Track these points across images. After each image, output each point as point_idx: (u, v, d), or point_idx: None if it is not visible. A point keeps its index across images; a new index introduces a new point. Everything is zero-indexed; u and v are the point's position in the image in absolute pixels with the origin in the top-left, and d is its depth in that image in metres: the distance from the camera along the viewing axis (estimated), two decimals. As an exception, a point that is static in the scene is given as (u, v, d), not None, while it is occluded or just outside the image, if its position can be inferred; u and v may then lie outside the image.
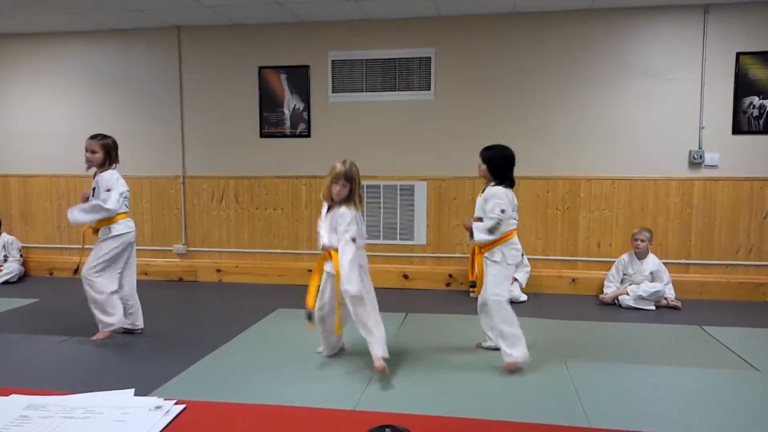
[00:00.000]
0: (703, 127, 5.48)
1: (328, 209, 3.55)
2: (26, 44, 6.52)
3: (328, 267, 3.58)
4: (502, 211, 3.50)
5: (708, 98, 5.45)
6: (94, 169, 4.12)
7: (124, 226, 4.10)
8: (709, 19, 5.38)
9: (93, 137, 4.08)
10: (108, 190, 3.98)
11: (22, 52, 6.54)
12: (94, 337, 4.06)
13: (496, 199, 3.52)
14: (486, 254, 3.63)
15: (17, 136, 6.60)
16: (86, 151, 4.05)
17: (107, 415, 1.16)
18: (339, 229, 3.44)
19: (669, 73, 5.49)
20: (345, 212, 3.45)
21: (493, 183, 3.62)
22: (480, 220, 3.61)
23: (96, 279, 3.99)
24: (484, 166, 3.65)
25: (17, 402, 1.24)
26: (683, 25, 5.44)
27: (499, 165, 3.62)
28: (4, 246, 6.35)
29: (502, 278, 3.62)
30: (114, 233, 4.04)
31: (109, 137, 4.11)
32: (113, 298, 4.06)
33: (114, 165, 4.10)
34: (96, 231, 4.11)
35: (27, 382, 3.30)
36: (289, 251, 6.23)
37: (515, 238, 3.62)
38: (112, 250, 4.04)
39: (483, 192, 3.69)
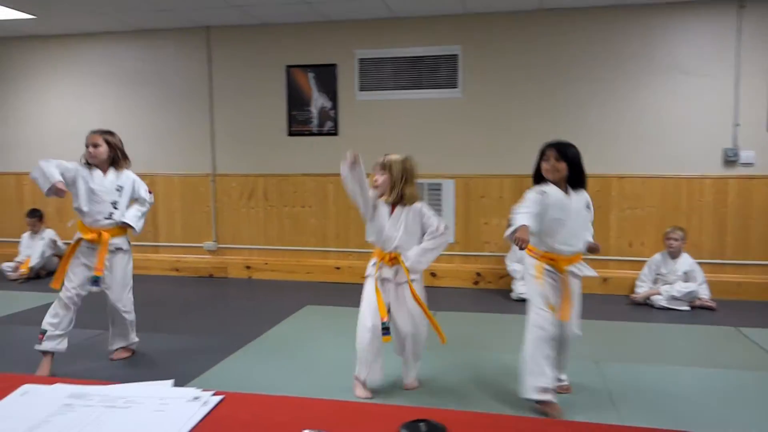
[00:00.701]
0: (738, 124, 5.35)
1: (392, 209, 3.19)
2: (60, 46, 6.67)
3: (388, 273, 3.17)
4: None
5: (743, 94, 5.32)
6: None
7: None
8: (744, 13, 5.25)
9: (95, 131, 3.61)
10: (148, 191, 3.75)
11: (56, 54, 6.70)
12: (116, 357, 3.77)
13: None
14: (575, 268, 3.06)
15: (53, 135, 6.75)
16: (88, 145, 3.55)
17: (147, 404, 1.18)
18: (429, 223, 3.16)
19: (702, 68, 5.38)
20: (422, 206, 3.19)
21: (568, 188, 3.07)
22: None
23: (130, 302, 3.74)
24: (563, 165, 3.02)
25: (60, 391, 1.27)
26: (717, 20, 5.32)
27: (581, 166, 3.08)
28: (42, 237, 6.48)
29: None
30: (130, 246, 3.74)
31: (115, 134, 3.67)
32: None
33: (129, 165, 3.71)
34: (92, 240, 3.55)
35: (66, 373, 3.38)
36: (317, 248, 6.27)
37: None
38: (131, 264, 3.75)
39: (569, 194, 3.05)
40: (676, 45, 5.43)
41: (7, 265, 6.32)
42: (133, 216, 3.66)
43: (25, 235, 6.52)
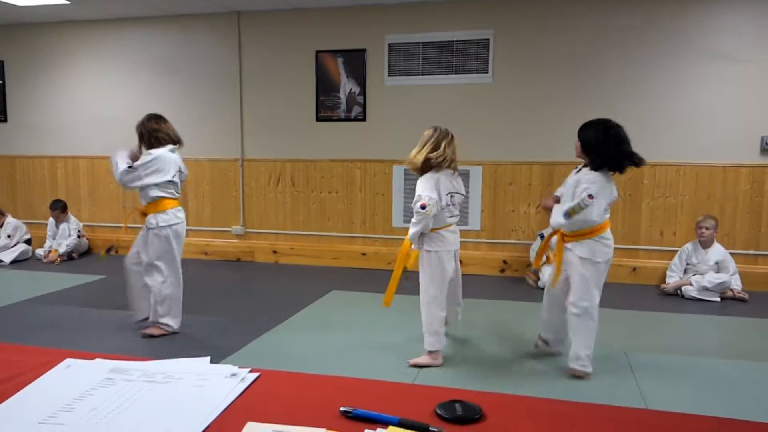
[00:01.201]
0: (777, 112, 5.20)
1: None
2: (92, 32, 6.76)
3: None
4: (590, 197, 3.00)
5: (784, 80, 5.16)
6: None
7: (173, 216, 3.79)
8: (788, -4, 5.08)
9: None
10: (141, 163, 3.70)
11: (89, 40, 6.79)
12: (147, 330, 3.89)
13: (585, 184, 3.06)
14: (569, 245, 3.16)
15: (86, 120, 6.88)
16: None
17: (186, 380, 1.21)
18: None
19: (742, 53, 5.22)
20: (419, 180, 3.52)
21: (589, 167, 3.13)
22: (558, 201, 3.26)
23: (153, 280, 3.82)
24: (578, 143, 3.20)
25: (102, 366, 1.30)
26: (759, 2, 5.15)
27: (596, 144, 3.11)
28: (66, 225, 6.60)
29: (592, 283, 3.10)
30: (162, 223, 3.75)
31: (142, 121, 3.81)
32: (173, 296, 3.87)
33: (158, 147, 3.77)
34: (143, 214, 3.82)
35: (100, 349, 3.47)
36: (344, 234, 6.29)
37: (607, 232, 3.16)
38: (162, 243, 3.77)
39: (577, 173, 3.22)
40: (714, 28, 5.27)
41: (40, 251, 6.53)
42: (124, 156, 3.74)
43: (51, 223, 6.64)
